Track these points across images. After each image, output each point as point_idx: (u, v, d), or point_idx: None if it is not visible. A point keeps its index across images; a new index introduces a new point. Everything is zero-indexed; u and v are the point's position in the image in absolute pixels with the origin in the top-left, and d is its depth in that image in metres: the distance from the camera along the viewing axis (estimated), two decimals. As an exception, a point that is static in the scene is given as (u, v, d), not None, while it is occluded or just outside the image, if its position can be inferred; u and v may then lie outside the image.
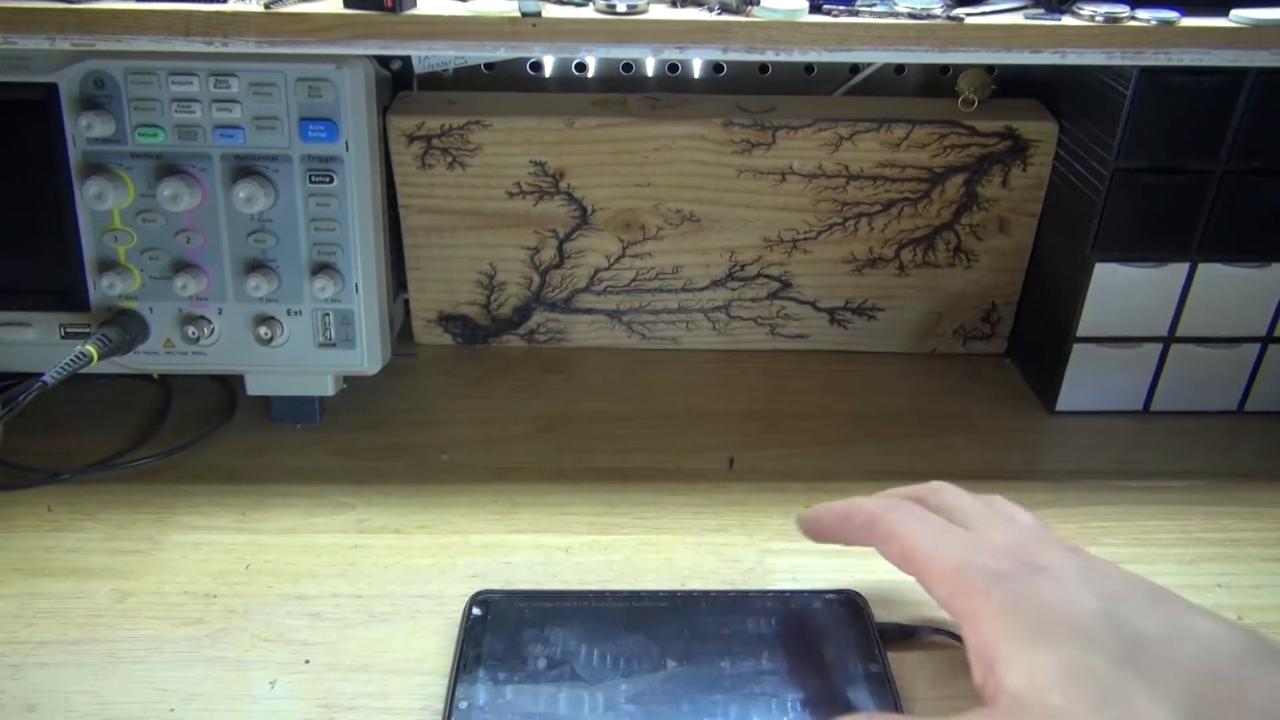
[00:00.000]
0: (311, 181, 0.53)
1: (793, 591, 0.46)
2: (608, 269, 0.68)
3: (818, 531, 0.44)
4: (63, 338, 0.56)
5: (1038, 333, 0.67)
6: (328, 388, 0.59)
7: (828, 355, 0.70)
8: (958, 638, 0.44)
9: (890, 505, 0.41)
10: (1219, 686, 0.32)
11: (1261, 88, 0.55)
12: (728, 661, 0.42)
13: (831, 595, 0.45)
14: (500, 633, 0.43)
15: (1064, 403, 0.64)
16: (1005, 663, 0.34)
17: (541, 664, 0.41)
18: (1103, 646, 0.33)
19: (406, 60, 0.66)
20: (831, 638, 0.43)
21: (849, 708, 0.38)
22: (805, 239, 0.67)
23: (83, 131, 0.51)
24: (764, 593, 0.46)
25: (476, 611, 0.44)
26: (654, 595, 0.45)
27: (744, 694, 0.40)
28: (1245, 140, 0.56)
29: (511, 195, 0.65)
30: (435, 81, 0.68)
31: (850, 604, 0.45)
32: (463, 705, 0.39)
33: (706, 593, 0.46)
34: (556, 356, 0.70)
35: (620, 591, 0.46)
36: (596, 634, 0.43)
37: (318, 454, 0.59)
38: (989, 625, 0.35)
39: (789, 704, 0.40)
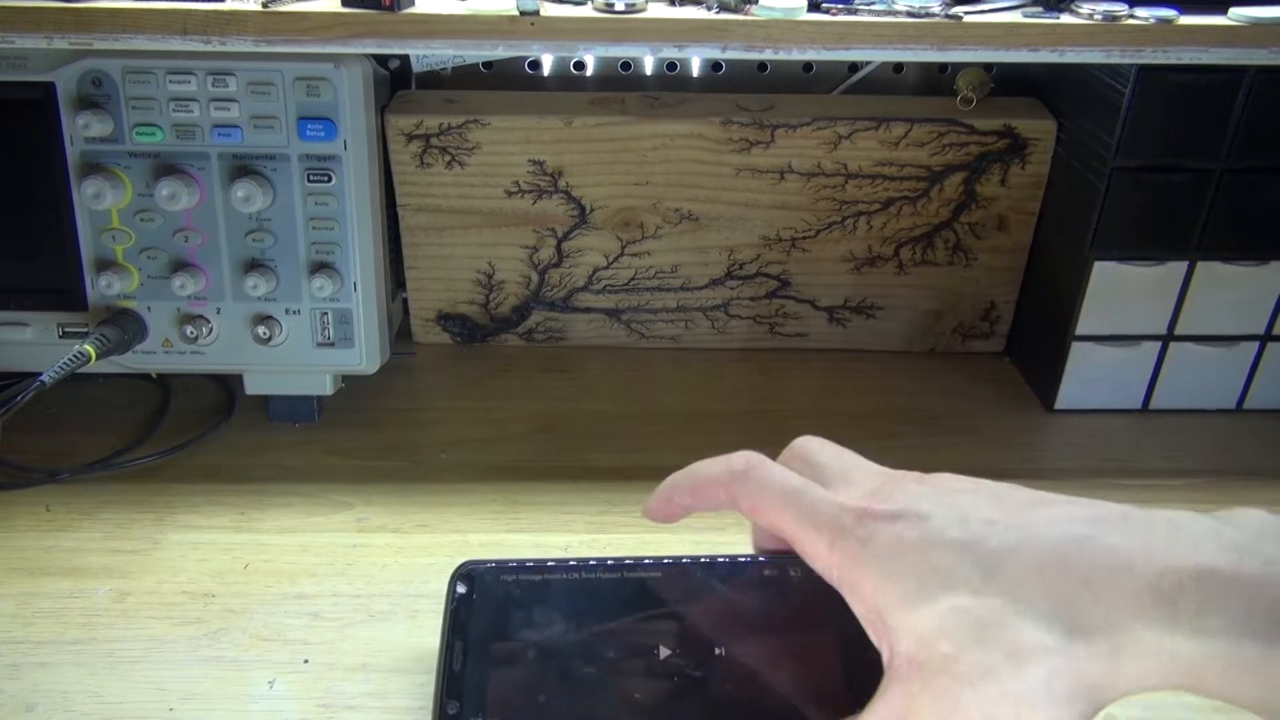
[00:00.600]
0: (310, 180, 0.53)
1: (795, 557, 0.43)
2: (606, 268, 0.68)
3: (670, 515, 0.42)
4: (61, 337, 0.56)
5: (1037, 331, 0.67)
6: (326, 387, 0.59)
7: (827, 354, 0.70)
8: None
9: (741, 475, 0.39)
10: (1072, 575, 0.32)
11: (1260, 86, 0.55)
12: (726, 643, 0.41)
13: None
14: (487, 614, 0.41)
15: (1063, 401, 0.64)
16: (893, 630, 0.34)
17: (531, 654, 0.40)
18: (965, 580, 0.34)
19: (405, 59, 0.66)
20: (834, 615, 0.42)
21: (850, 691, 0.38)
22: (804, 237, 0.67)
23: (80, 131, 0.51)
24: (759, 561, 0.42)
25: (461, 589, 0.42)
26: (644, 564, 0.42)
27: (742, 672, 0.40)
28: (1244, 138, 0.56)
29: (510, 194, 0.65)
30: (433, 80, 0.68)
31: None
32: (453, 710, 0.39)
33: (698, 559, 0.42)
34: (555, 355, 0.70)
35: (609, 561, 0.43)
36: (589, 614, 0.42)
37: (316, 453, 0.59)
38: (870, 594, 0.35)
39: (790, 682, 0.39)
